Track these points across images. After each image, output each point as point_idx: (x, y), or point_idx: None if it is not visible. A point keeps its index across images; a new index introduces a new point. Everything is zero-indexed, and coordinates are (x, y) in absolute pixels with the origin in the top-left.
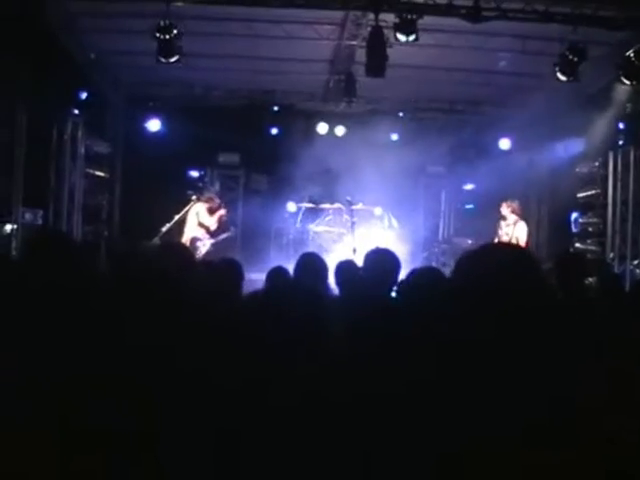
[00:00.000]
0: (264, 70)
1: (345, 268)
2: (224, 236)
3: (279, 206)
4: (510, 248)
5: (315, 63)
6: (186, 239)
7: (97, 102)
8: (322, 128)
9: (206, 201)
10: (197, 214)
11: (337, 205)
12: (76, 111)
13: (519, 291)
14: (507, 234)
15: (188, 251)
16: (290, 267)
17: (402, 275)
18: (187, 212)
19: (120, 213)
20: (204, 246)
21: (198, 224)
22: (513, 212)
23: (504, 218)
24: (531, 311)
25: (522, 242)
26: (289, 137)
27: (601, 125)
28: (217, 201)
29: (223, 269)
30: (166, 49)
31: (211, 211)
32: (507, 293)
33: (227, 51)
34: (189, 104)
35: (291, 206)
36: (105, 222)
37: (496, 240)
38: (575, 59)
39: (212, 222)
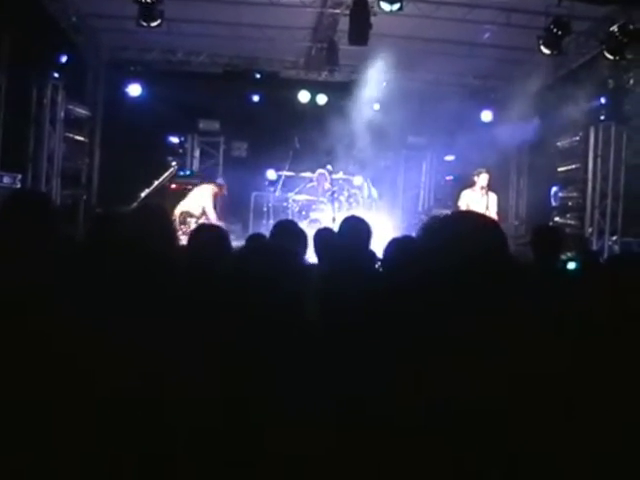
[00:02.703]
0: (246, 37)
1: (324, 236)
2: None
3: (259, 174)
4: (479, 216)
5: (298, 31)
6: (179, 210)
7: (77, 66)
8: (304, 96)
9: (218, 188)
10: (202, 196)
11: (317, 173)
12: (56, 75)
13: (483, 260)
14: (481, 203)
15: (167, 217)
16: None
17: (378, 244)
18: (191, 188)
19: (99, 178)
20: (194, 224)
21: (198, 204)
22: (488, 183)
23: (479, 187)
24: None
25: (494, 213)
26: (270, 105)
27: (583, 100)
28: (225, 192)
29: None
30: (147, 13)
31: (215, 198)
32: (471, 260)
33: (210, 17)
34: (170, 69)
35: (271, 174)
36: (84, 187)
37: (463, 208)
38: (559, 33)
39: (213, 216)
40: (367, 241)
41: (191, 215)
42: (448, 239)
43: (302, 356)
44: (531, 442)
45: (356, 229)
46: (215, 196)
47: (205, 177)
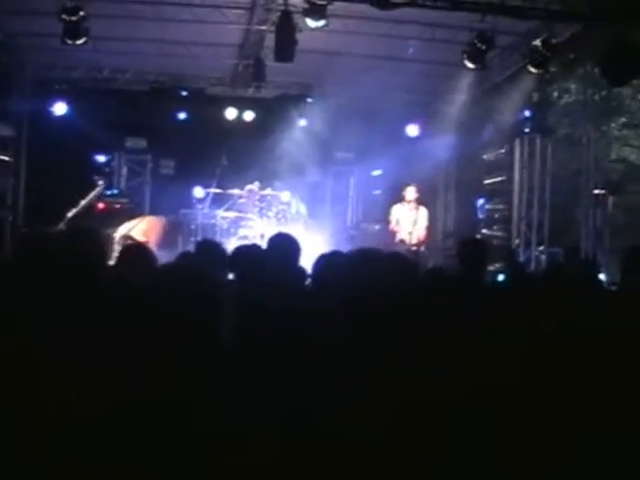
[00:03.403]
0: (173, 54)
1: (244, 253)
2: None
3: (187, 191)
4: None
5: (224, 47)
6: (120, 233)
7: (2, 84)
8: (231, 113)
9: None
10: (150, 229)
11: (246, 190)
12: None
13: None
14: (410, 217)
15: (100, 238)
16: None
17: (308, 260)
18: (119, 207)
19: (25, 198)
20: None
21: (144, 234)
22: (417, 197)
23: (407, 201)
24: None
25: (424, 227)
26: (197, 122)
27: (508, 113)
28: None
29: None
30: (72, 31)
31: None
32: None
33: (136, 34)
34: (96, 87)
35: (198, 191)
36: (10, 207)
37: (393, 223)
38: (483, 47)
39: (153, 242)
40: (295, 257)
41: (133, 240)
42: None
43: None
44: (483, 450)
45: (284, 246)
46: (163, 232)
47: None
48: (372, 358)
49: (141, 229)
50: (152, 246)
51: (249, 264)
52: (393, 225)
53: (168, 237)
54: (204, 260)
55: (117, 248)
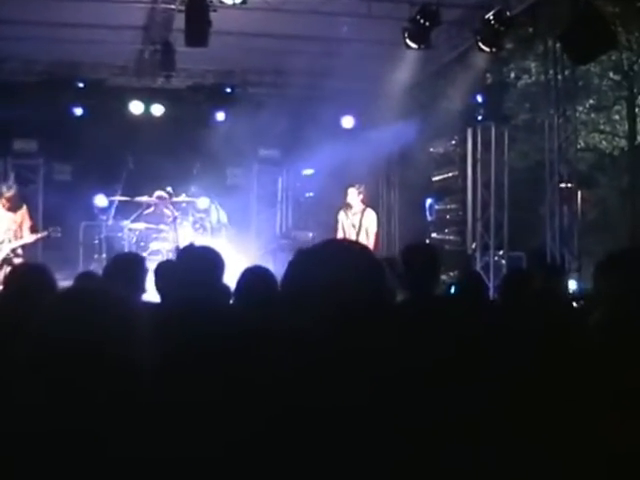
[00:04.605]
0: (66, 39)
1: (166, 270)
2: (33, 239)
3: (87, 200)
4: (351, 248)
5: (126, 31)
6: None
7: None
8: (136, 107)
9: (7, 200)
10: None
11: (155, 197)
12: None
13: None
14: (354, 225)
15: None
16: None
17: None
18: None
19: None
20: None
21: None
22: (362, 199)
23: (349, 206)
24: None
25: (372, 233)
26: (97, 118)
27: (457, 98)
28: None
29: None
30: None
31: (11, 210)
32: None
33: (21, 16)
34: None
35: (101, 200)
36: None
37: (340, 232)
38: (427, 24)
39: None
40: (217, 274)
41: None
42: (320, 278)
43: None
44: None
45: (203, 260)
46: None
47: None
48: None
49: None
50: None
51: (169, 283)
52: (338, 234)
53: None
54: (118, 278)
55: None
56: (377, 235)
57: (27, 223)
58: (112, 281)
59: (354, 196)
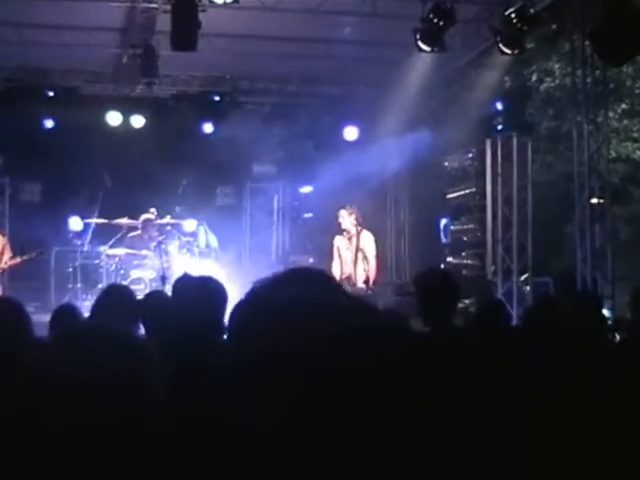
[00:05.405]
0: (34, 41)
1: (155, 302)
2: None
3: (60, 223)
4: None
5: (102, 33)
6: None
7: None
8: (114, 118)
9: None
10: None
11: (143, 219)
12: None
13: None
14: (348, 248)
15: None
16: (82, 304)
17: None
18: None
19: None
20: None
21: None
22: (356, 220)
23: (344, 230)
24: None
25: (371, 256)
26: (69, 131)
27: (474, 106)
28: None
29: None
30: None
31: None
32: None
33: None
34: None
35: (75, 222)
36: None
37: (336, 259)
38: (440, 23)
39: None
40: (219, 308)
41: None
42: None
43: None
44: None
45: (203, 292)
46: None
47: None
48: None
49: None
50: None
51: (158, 318)
52: (335, 261)
53: None
54: (111, 313)
55: None
56: (377, 258)
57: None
58: (106, 317)
59: (346, 218)
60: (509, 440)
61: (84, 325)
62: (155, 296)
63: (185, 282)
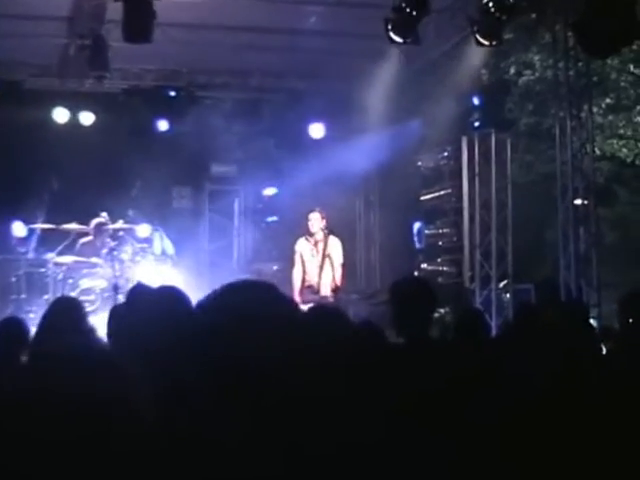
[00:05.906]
0: None
1: (120, 314)
2: None
3: (1, 228)
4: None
5: (47, 22)
6: None
7: None
8: (60, 115)
9: None
10: None
11: (95, 223)
12: None
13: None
14: (313, 254)
15: None
16: (27, 316)
17: None
18: None
19: None
20: None
21: None
22: (325, 224)
23: (310, 233)
24: None
25: (338, 264)
26: (11, 129)
27: (449, 102)
28: None
29: None
30: None
31: None
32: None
33: None
34: None
35: (18, 228)
36: None
37: (299, 265)
38: (413, 13)
39: None
40: (183, 319)
41: None
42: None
43: None
44: None
45: (166, 303)
46: None
47: None
48: None
49: None
50: None
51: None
52: (296, 268)
53: None
54: (61, 327)
55: None
56: (343, 267)
57: None
58: (57, 331)
59: (317, 222)
60: (491, 447)
61: (61, 347)
62: (120, 308)
63: (140, 292)
